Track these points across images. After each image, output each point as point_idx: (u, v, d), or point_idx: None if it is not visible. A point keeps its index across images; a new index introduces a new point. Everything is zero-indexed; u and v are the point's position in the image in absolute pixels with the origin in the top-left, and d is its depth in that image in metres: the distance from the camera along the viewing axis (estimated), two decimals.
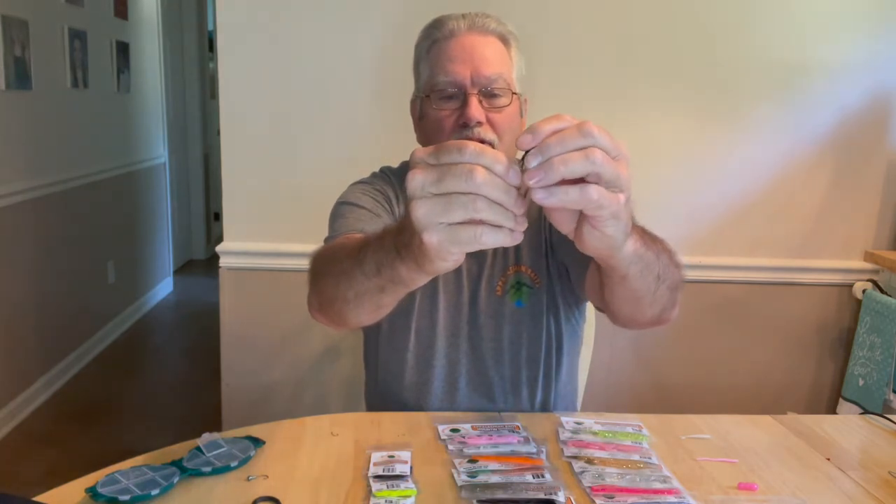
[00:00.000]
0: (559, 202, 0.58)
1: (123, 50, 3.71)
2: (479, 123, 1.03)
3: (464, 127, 1.03)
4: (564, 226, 0.66)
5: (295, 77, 1.81)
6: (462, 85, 1.04)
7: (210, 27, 5.06)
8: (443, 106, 1.06)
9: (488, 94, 1.04)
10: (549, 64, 1.84)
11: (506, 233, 0.59)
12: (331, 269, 0.87)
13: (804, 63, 1.89)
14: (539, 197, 0.58)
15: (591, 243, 0.66)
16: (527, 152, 0.59)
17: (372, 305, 0.83)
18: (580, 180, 0.58)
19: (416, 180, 0.58)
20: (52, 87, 2.94)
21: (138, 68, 3.95)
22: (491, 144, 1.04)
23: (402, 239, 0.68)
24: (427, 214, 0.59)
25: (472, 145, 0.57)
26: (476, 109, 1.03)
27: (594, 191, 0.58)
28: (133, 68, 3.85)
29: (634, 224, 0.74)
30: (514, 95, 1.07)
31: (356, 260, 0.79)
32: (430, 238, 0.59)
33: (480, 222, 0.58)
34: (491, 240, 0.59)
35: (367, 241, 0.79)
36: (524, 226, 0.59)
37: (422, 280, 0.72)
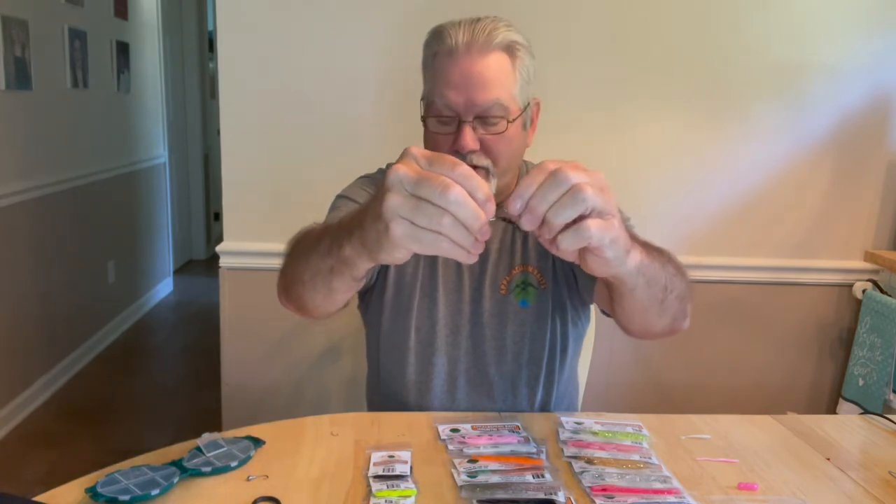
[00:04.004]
0: (568, 247, 0.66)
1: (123, 50, 3.71)
2: (473, 151, 1.02)
3: (457, 153, 1.03)
4: (568, 256, 0.71)
5: (295, 77, 1.81)
6: (456, 112, 1.02)
7: (210, 27, 5.06)
8: (439, 129, 1.05)
9: (484, 120, 1.02)
10: (548, 65, 1.83)
11: (464, 252, 0.64)
12: (294, 251, 0.92)
13: (804, 63, 1.89)
14: (555, 249, 0.67)
15: (596, 267, 0.72)
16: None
17: (324, 288, 0.86)
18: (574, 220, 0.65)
19: (399, 173, 0.62)
20: (52, 87, 2.94)
21: (138, 68, 3.95)
22: (486, 170, 1.04)
23: (358, 220, 0.71)
24: (397, 207, 0.62)
25: (464, 167, 0.62)
26: (468, 139, 1.01)
27: (593, 226, 0.65)
28: (133, 68, 3.85)
29: (635, 238, 0.78)
30: (516, 116, 1.04)
31: (317, 240, 0.83)
32: (395, 229, 0.63)
33: (441, 234, 0.62)
34: (449, 252, 0.63)
35: (331, 224, 0.83)
36: (480, 250, 0.64)
37: (363, 264, 0.76)
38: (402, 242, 0.63)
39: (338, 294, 0.87)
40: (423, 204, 0.61)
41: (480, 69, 1.01)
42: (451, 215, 0.60)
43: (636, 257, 0.76)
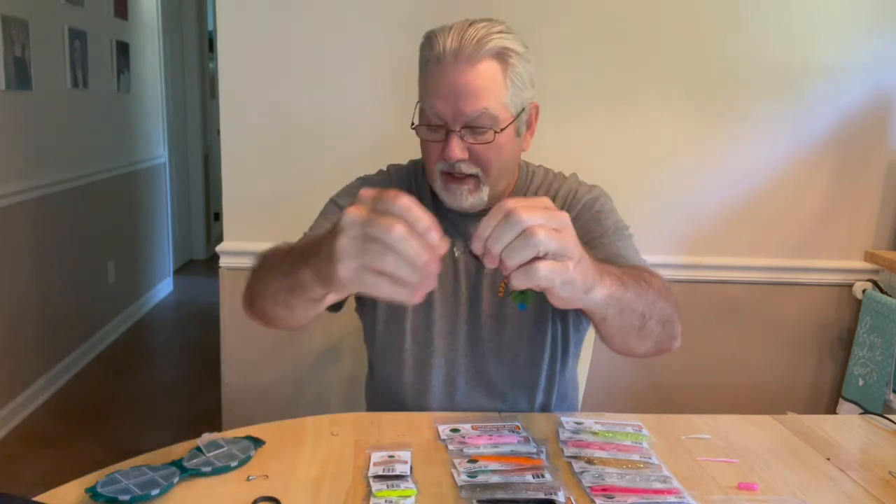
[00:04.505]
0: (518, 286, 0.68)
1: (123, 50, 3.71)
2: (461, 160, 1.02)
3: (446, 161, 1.03)
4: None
5: (295, 77, 1.81)
6: (444, 121, 1.02)
7: (210, 27, 5.06)
8: (430, 136, 1.05)
9: (472, 129, 1.01)
10: (549, 66, 1.83)
11: (406, 292, 0.65)
12: (260, 267, 0.96)
13: (804, 63, 1.89)
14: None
15: (556, 301, 0.74)
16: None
17: (284, 306, 0.88)
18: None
19: (351, 216, 0.65)
20: (52, 87, 2.94)
21: (138, 68, 3.95)
22: (476, 177, 1.04)
23: (315, 252, 0.73)
24: (346, 249, 0.64)
25: (404, 200, 0.63)
26: (455, 148, 1.01)
27: (542, 268, 0.67)
28: (133, 68, 3.85)
29: (608, 270, 0.80)
30: (507, 124, 1.03)
31: (281, 259, 0.86)
32: (342, 270, 0.65)
33: (383, 274, 0.64)
34: (388, 293, 0.65)
35: (296, 247, 0.86)
36: (427, 290, 0.65)
37: (319, 290, 0.78)
38: (349, 283, 0.66)
39: (298, 311, 0.89)
40: (371, 244, 0.63)
41: (469, 79, 0.99)
42: (396, 253, 0.63)
43: (602, 291, 0.77)
